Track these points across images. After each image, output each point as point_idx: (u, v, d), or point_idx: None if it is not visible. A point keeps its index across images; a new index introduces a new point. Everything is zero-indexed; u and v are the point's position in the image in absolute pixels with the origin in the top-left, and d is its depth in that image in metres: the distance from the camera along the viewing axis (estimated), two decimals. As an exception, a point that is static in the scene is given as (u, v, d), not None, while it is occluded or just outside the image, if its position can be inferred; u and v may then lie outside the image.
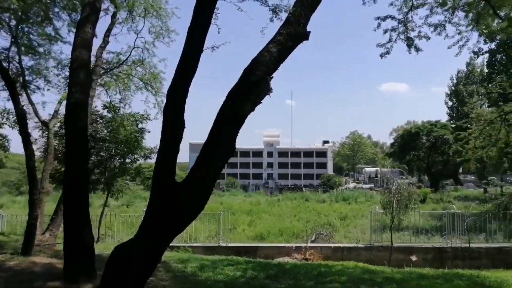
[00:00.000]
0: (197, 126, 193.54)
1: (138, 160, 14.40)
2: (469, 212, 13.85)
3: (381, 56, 8.64)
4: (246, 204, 38.64)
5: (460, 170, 67.05)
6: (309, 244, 13.61)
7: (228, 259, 8.86)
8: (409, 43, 8.22)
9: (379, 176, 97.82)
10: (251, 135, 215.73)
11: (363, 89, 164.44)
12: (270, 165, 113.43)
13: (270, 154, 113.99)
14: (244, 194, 59.33)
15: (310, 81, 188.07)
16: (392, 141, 60.26)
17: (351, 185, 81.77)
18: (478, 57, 28.00)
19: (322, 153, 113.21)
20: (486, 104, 24.78)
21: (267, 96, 4.67)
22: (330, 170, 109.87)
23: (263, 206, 37.91)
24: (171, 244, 13.52)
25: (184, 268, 7.26)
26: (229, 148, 4.56)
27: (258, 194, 60.01)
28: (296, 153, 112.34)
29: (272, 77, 4.62)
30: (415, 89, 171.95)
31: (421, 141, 53.89)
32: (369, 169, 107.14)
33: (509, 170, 24.13)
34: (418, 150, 54.56)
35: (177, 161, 4.78)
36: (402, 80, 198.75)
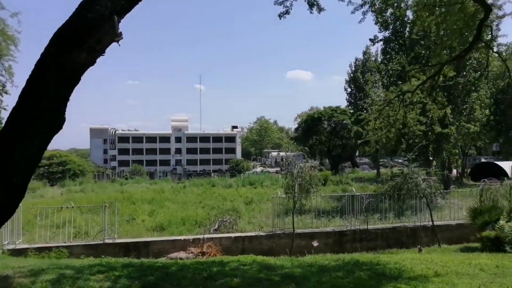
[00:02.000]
0: (95, 108, 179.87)
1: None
2: (367, 194, 13.96)
3: (280, 16, 7.64)
4: (149, 192, 36.28)
5: (357, 154, 72.17)
6: (207, 236, 12.47)
7: (100, 264, 7.22)
8: (311, 1, 7.34)
9: (284, 160, 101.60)
10: (158, 120, 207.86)
11: (270, 76, 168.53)
12: (178, 150, 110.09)
13: (178, 140, 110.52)
14: (150, 181, 56.26)
15: (219, 66, 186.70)
16: (296, 126, 62.03)
17: (259, 169, 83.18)
18: (374, 44, 29.45)
19: (230, 138, 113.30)
20: (381, 87, 26.06)
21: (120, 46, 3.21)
22: (238, 155, 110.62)
23: (167, 193, 36.01)
24: (41, 245, 11.38)
25: (31, 285, 5.49)
26: (56, 121, 3.03)
27: (164, 181, 57.27)
28: (205, 138, 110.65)
29: (123, 17, 3.19)
30: (318, 77, 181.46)
31: (323, 126, 56.28)
32: (275, 153, 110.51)
33: (405, 151, 25.83)
34: (320, 135, 56.92)
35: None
36: (307, 68, 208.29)
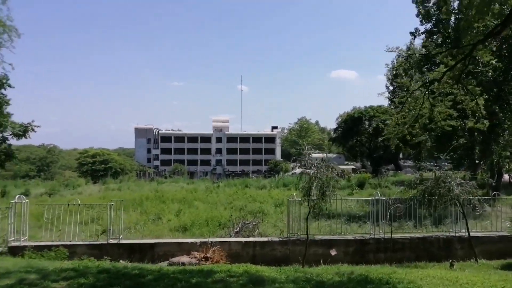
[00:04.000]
0: (142, 109, 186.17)
1: (7, 140, 11.64)
2: (392, 199, 12.59)
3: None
4: (182, 192, 36.41)
5: (401, 156, 68.73)
6: (216, 239, 11.71)
7: (74, 269, 6.65)
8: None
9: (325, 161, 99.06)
10: (200, 121, 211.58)
11: (314, 76, 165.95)
12: (218, 151, 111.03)
13: (219, 140, 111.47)
14: (188, 181, 56.79)
15: (263, 67, 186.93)
16: (336, 126, 60.15)
17: (298, 170, 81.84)
18: (415, 38, 27.41)
19: (270, 139, 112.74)
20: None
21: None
22: (278, 155, 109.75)
23: (199, 193, 35.96)
24: (44, 243, 11.17)
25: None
26: None
27: (202, 181, 57.54)
28: (245, 139, 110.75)
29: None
30: (363, 76, 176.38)
31: (364, 126, 54.02)
32: (316, 155, 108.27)
33: (442, 153, 23.92)
34: (360, 135, 54.79)
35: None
36: (352, 67, 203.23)
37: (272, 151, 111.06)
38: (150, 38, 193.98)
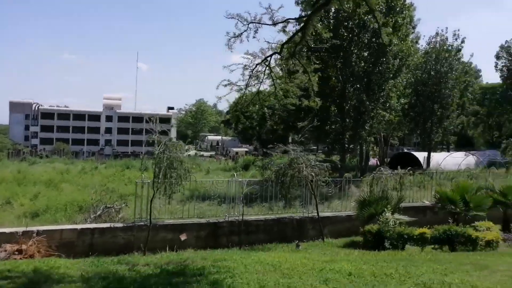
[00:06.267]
0: (20, 82, 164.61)
1: None
2: (252, 181, 12.27)
3: None
4: (51, 173, 32.59)
5: (290, 140, 71.94)
6: (44, 227, 10.03)
7: None
8: None
9: (220, 144, 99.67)
10: (94, 99, 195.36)
11: (216, 59, 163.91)
12: (108, 130, 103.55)
13: (109, 119, 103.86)
14: (67, 161, 51.64)
15: (164, 45, 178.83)
16: (228, 108, 59.91)
17: (192, 152, 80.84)
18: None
19: (166, 119, 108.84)
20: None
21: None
22: (173, 137, 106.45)
23: (72, 175, 32.63)
24: None
25: None
26: None
27: (85, 162, 52.76)
28: (138, 119, 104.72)
29: None
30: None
31: (254, 110, 54.75)
32: (212, 137, 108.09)
33: (313, 136, 25.18)
34: (250, 119, 55.36)
35: None
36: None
37: (167, 132, 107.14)
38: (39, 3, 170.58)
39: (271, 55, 7.71)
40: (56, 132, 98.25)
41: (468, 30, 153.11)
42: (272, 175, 11.36)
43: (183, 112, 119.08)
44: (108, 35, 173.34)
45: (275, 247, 10.93)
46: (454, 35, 34.14)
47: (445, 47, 33.35)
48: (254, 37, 7.22)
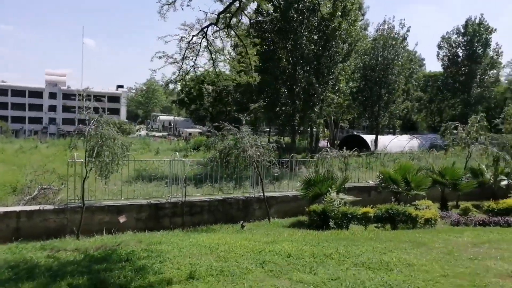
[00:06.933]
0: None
1: None
2: (195, 160, 11.78)
3: None
4: (-15, 153, 30.21)
5: (244, 122, 71.63)
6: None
7: None
8: None
9: (172, 124, 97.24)
10: (38, 75, 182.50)
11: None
12: (52, 108, 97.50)
13: (53, 96, 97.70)
14: (4, 140, 48.10)
15: (113, 20, 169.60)
16: (179, 88, 57.87)
17: (143, 132, 78.43)
18: None
19: (115, 98, 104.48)
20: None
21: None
22: (123, 116, 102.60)
23: (7, 154, 30.41)
24: None
25: None
26: None
27: (25, 141, 49.39)
28: (86, 97, 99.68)
29: None
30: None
31: (207, 90, 53.54)
32: (164, 117, 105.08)
33: (265, 117, 24.99)
34: (202, 100, 54.21)
35: None
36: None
37: (116, 111, 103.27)
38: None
39: (207, 26, 7.16)
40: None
41: (414, 20, 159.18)
42: (216, 154, 10.91)
43: (134, 91, 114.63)
44: (50, 7, 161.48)
45: (220, 228, 10.62)
46: (400, 23, 35.20)
47: (392, 35, 34.24)
48: (188, 5, 6.61)
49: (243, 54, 7.97)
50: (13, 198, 14.56)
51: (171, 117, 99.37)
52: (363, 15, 39.15)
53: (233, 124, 12.30)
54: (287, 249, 6.43)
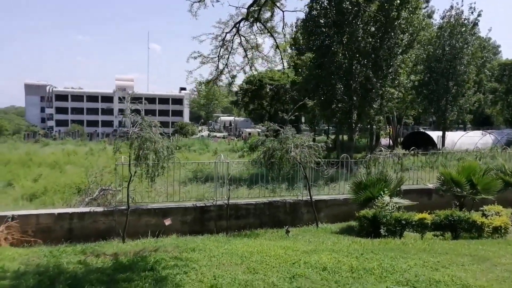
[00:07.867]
0: (35, 62, 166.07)
1: None
2: (240, 162, 11.55)
3: None
4: (57, 155, 32.78)
5: (303, 120, 70.56)
6: (19, 212, 9.59)
7: None
8: None
9: (233, 124, 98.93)
10: (108, 80, 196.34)
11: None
12: (122, 111, 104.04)
13: (122, 100, 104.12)
14: (79, 142, 52.05)
15: (178, 26, 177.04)
16: (237, 89, 58.45)
17: (205, 133, 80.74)
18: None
19: (178, 100, 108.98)
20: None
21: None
22: (186, 118, 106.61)
23: (78, 156, 32.67)
24: None
25: None
26: None
27: (96, 143, 53.13)
28: (151, 100, 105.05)
29: None
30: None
31: (265, 90, 53.47)
32: (225, 118, 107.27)
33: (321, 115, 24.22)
34: (261, 99, 54.19)
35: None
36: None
37: (179, 113, 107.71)
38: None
39: (239, 22, 6.83)
40: (71, 114, 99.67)
41: (487, 4, 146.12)
42: (260, 156, 10.58)
43: (196, 93, 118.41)
44: (119, 16, 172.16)
45: (264, 233, 10.27)
46: (470, 8, 32.10)
47: (460, 21, 31.40)
48: (217, 1, 6.32)
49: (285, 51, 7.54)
50: (77, 198, 15.49)
51: (231, 118, 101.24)
52: (427, 1, 36.50)
53: (271, 124, 11.85)
54: (325, 261, 5.91)
